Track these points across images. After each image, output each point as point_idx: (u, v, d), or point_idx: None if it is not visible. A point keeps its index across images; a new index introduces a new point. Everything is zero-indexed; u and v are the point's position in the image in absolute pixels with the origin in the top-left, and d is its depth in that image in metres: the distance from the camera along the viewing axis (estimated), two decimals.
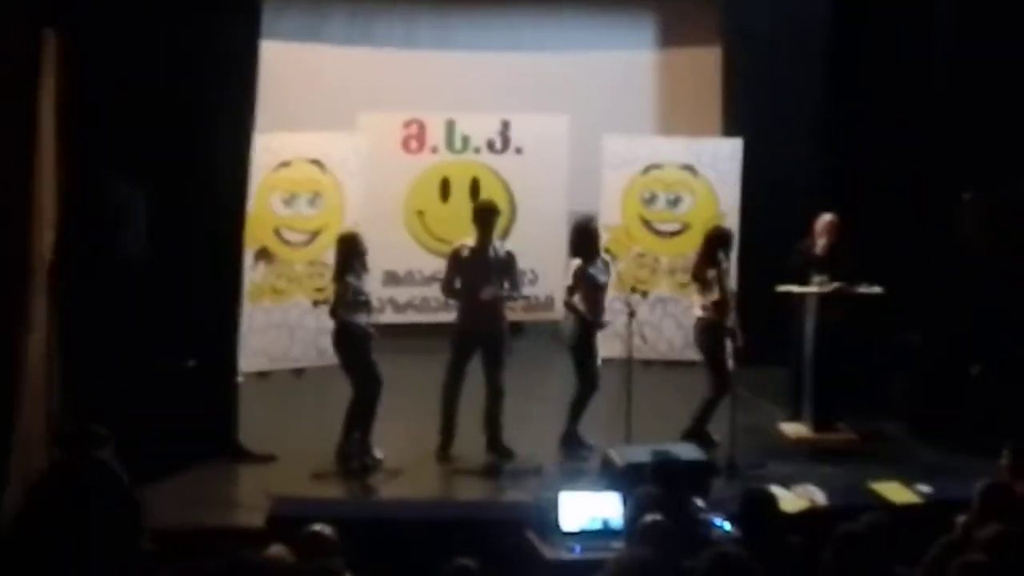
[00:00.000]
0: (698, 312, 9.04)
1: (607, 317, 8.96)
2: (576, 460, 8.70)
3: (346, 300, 8.50)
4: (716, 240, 9.11)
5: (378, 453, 8.66)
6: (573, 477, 8.33)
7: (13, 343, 7.47)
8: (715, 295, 8.86)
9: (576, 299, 8.81)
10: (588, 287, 8.83)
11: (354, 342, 8.56)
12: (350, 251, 8.63)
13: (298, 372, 10.77)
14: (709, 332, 8.95)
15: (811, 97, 11.07)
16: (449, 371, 8.82)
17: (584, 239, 8.92)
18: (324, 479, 8.36)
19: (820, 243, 9.53)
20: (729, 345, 8.78)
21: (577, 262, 8.90)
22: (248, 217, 9.25)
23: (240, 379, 9.35)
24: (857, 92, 10.47)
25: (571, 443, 8.90)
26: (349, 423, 8.58)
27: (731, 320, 8.78)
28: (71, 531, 6.07)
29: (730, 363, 8.84)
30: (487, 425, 8.84)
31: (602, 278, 8.92)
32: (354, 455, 8.47)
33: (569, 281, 8.86)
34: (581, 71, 12.42)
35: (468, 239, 8.89)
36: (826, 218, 9.59)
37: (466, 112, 11.84)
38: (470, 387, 8.89)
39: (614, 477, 7.62)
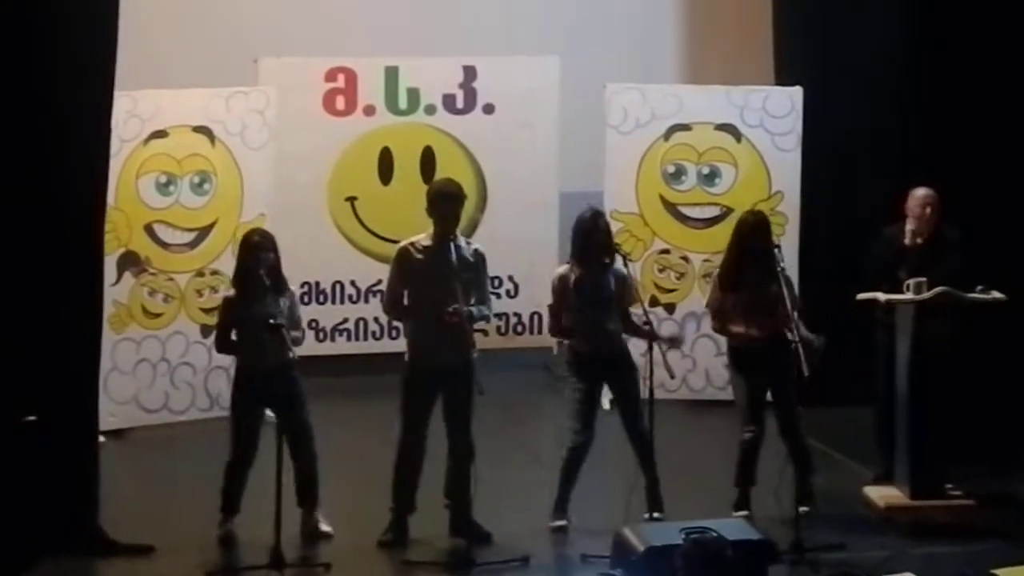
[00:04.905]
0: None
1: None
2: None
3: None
4: (739, 232, 9.32)
5: (324, 526, 8.79)
6: (573, 568, 8.33)
7: None
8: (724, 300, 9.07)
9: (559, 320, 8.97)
10: (582, 304, 8.92)
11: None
12: (255, 257, 8.67)
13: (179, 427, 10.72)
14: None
15: (892, 34, 11.07)
16: (406, 423, 8.80)
17: (584, 241, 9.01)
18: None
19: (912, 230, 9.56)
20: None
21: (562, 269, 9.03)
22: (108, 210, 9.22)
23: (101, 439, 9.32)
24: (959, 24, 10.50)
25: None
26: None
27: (793, 337, 8.83)
28: None
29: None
30: (452, 497, 8.83)
31: (604, 292, 9.00)
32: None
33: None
34: None
35: (421, 235, 8.91)
36: (920, 195, 9.57)
37: (414, 56, 11.83)
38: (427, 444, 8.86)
39: (631, 566, 7.54)
